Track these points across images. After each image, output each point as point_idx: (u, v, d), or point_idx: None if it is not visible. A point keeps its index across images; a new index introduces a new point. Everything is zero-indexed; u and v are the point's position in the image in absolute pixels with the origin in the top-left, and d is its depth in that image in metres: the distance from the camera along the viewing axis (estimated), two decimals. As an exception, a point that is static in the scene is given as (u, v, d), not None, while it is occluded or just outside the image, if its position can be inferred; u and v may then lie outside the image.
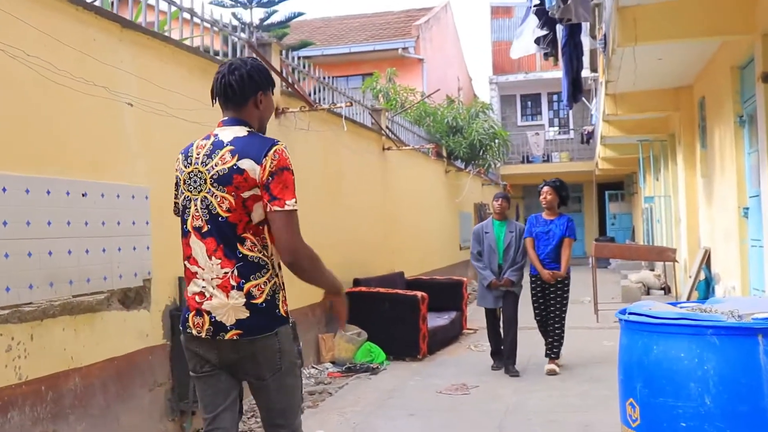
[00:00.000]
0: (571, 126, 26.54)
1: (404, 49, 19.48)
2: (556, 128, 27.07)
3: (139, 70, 5.21)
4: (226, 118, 2.95)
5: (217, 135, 2.90)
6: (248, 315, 2.77)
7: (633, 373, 2.79)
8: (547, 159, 24.76)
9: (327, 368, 7.92)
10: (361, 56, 19.73)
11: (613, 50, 7.96)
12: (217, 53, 6.67)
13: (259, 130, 3.01)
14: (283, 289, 2.93)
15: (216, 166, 2.81)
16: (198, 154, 2.89)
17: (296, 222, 2.80)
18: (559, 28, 8.76)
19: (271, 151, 2.77)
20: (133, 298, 5.09)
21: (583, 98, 20.63)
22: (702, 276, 9.51)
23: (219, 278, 2.79)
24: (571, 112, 26.67)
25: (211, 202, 2.81)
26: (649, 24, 6.62)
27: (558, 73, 19.71)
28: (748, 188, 7.54)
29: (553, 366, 7.27)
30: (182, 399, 5.44)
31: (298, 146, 7.92)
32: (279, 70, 7.55)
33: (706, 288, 9.49)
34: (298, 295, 7.85)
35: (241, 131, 2.88)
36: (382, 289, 8.58)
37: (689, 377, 2.54)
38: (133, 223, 5.07)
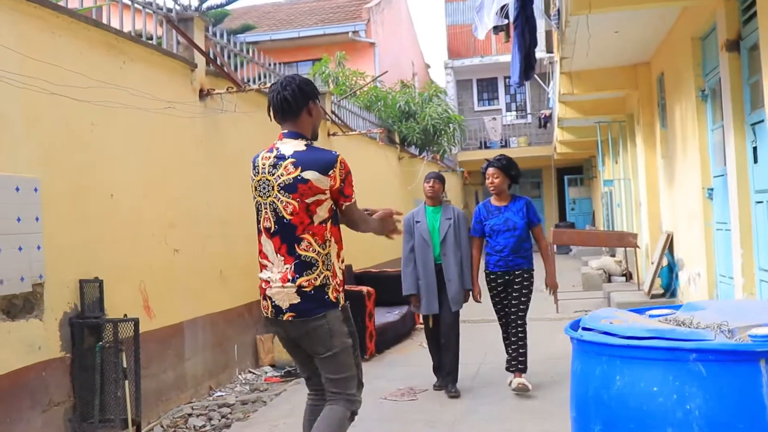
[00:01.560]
0: (529, 110, 26.07)
1: (355, 32, 18.78)
2: (514, 113, 26.57)
3: (22, 42, 4.50)
4: (285, 131, 3.43)
5: (278, 148, 3.37)
6: (299, 300, 3.29)
7: (589, 412, 2.04)
8: (505, 144, 24.23)
9: (265, 372, 7.28)
10: (311, 41, 19.00)
11: (566, 22, 7.40)
12: (139, 32, 5.97)
13: (313, 137, 3.49)
14: (336, 278, 3.39)
15: (282, 176, 3.29)
16: (264, 165, 3.38)
17: (358, 207, 3.50)
18: (511, 1, 8.18)
19: (337, 163, 3.31)
20: (20, 306, 4.41)
21: (540, 81, 20.14)
22: (665, 262, 9.04)
23: (281, 272, 3.31)
24: (528, 95, 26.21)
25: (278, 206, 3.30)
26: (605, -11, 6.05)
27: (514, 56, 19.20)
28: (713, 167, 7.04)
29: (521, 380, 5.94)
30: (86, 419, 4.76)
31: (228, 131, 7.24)
32: (203, 47, 6.85)
33: (669, 274, 9.02)
34: (233, 295, 7.21)
35: (300, 145, 3.36)
36: (324, 285, 7.94)
37: (666, 420, 1.80)
38: (19, 219, 4.38)
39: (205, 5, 13.93)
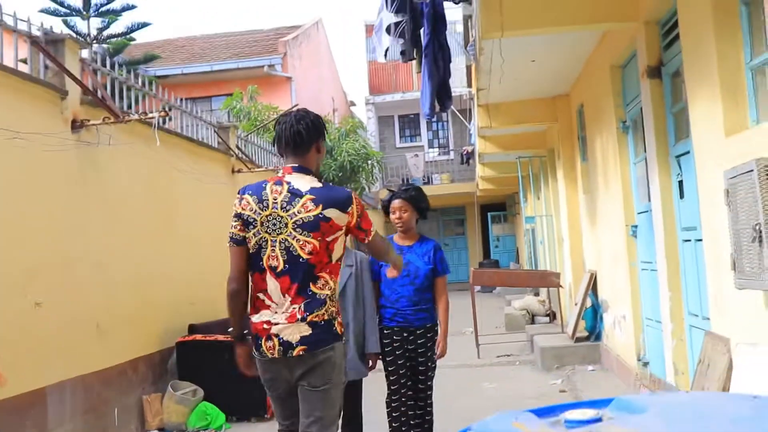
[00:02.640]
0: (451, 146, 25.79)
1: (270, 66, 18.11)
2: (436, 149, 26.25)
3: None
4: (294, 164, 3.30)
5: (290, 183, 3.23)
6: (310, 332, 3.18)
7: None
8: (428, 181, 23.82)
9: (151, 438, 6.45)
10: (225, 75, 18.21)
11: (480, 49, 6.92)
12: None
13: (316, 173, 3.38)
14: (339, 314, 3.34)
15: (299, 213, 3.16)
16: (275, 200, 3.21)
17: (383, 237, 3.59)
18: (422, 30, 7.66)
19: (353, 201, 3.28)
20: None
21: (461, 117, 19.84)
22: (588, 303, 8.56)
23: (287, 312, 3.18)
24: (451, 132, 25.96)
25: (292, 244, 3.16)
26: (517, 11, 5.54)
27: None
28: (636, 203, 6.61)
29: None
30: None
31: (108, 165, 6.48)
32: (78, 74, 6.10)
33: (593, 316, 8.54)
34: (113, 350, 6.36)
35: (314, 181, 3.26)
36: (221, 337, 7.16)
37: None
38: None
39: (105, 32, 13.09)
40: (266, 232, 3.21)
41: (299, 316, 3.16)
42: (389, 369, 4.88)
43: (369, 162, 15.61)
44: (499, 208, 25.36)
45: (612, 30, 6.34)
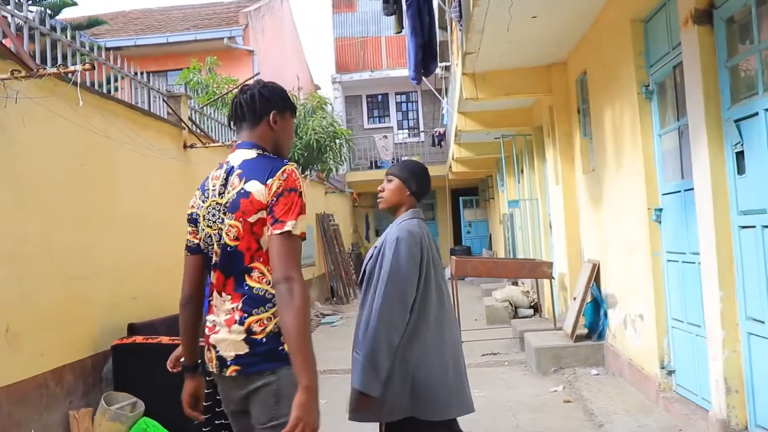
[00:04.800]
0: (422, 128, 24.68)
1: (231, 38, 16.80)
2: (406, 131, 25.11)
3: None
4: (240, 141, 2.72)
5: (228, 161, 2.68)
6: (246, 350, 2.52)
7: None
8: (397, 163, 22.75)
9: (77, 465, 5.30)
10: (182, 47, 16.86)
11: (474, 2, 5.84)
12: None
13: (276, 151, 2.72)
14: None
15: (228, 193, 2.59)
16: (214, 186, 2.66)
17: (294, 247, 2.44)
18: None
19: (279, 171, 2.53)
20: None
21: (436, 93, 18.75)
22: (590, 297, 7.55)
23: (227, 313, 2.57)
24: (421, 113, 24.87)
25: (222, 232, 2.59)
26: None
27: (406, 71, 17.62)
28: (661, 182, 5.58)
29: None
30: None
31: (21, 130, 5.26)
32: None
33: (594, 312, 7.53)
34: (28, 360, 5.16)
35: (251, 153, 2.64)
36: (166, 339, 6.02)
37: None
38: None
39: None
40: (208, 226, 2.66)
41: (237, 318, 2.52)
42: None
43: (337, 141, 14.45)
44: (472, 193, 24.36)
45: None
